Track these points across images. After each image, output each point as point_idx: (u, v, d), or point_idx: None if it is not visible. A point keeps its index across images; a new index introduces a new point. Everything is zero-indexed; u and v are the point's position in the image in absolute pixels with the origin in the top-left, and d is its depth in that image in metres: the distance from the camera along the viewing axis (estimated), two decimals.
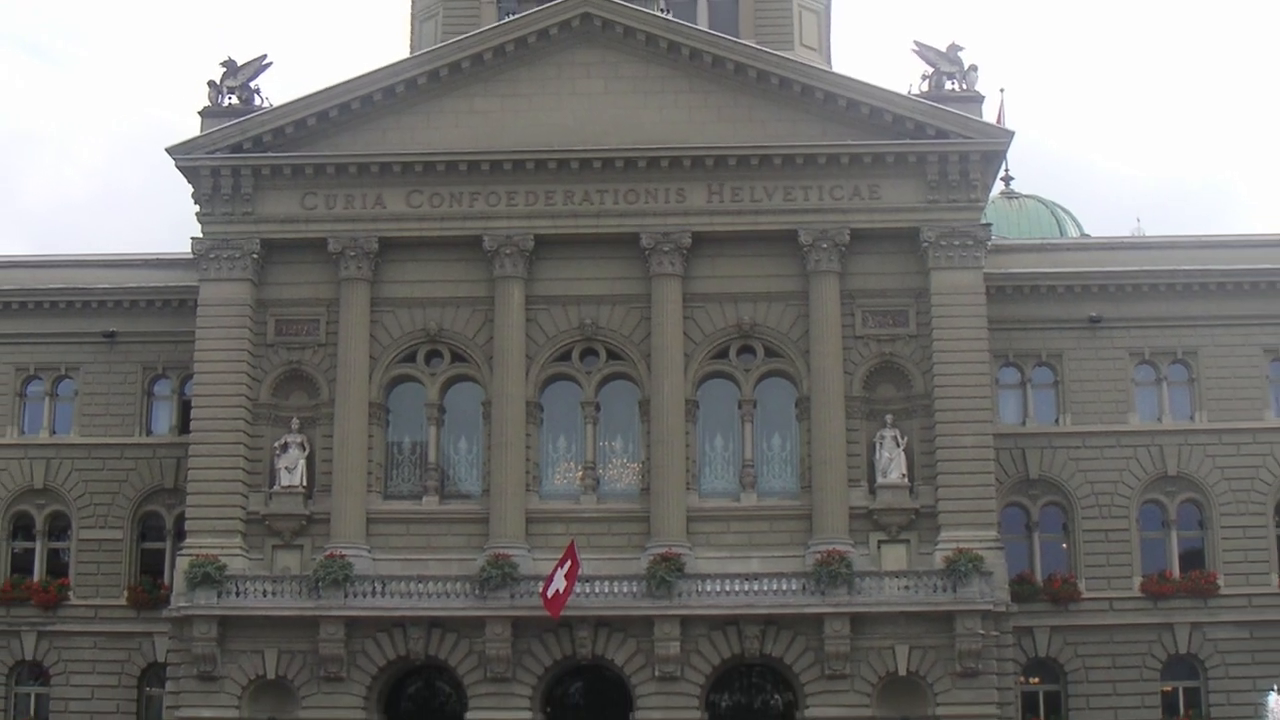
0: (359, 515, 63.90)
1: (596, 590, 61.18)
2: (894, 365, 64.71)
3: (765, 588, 61.36)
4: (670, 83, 66.56)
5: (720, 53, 66.30)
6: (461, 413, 66.27)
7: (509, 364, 64.55)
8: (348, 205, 66.02)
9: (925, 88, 66.28)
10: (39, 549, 70.67)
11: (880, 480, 63.27)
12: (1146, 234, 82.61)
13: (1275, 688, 54.59)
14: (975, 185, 65.02)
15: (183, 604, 62.01)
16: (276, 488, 64.58)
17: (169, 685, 63.26)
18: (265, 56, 68.12)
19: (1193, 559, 67.90)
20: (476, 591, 61.43)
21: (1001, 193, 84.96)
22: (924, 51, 66.78)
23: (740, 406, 65.37)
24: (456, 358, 66.13)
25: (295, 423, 65.21)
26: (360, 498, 64.13)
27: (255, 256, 65.62)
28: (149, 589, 68.43)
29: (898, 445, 63.41)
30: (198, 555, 62.36)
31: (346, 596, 61.58)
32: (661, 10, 69.58)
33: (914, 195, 64.88)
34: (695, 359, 64.96)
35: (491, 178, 65.63)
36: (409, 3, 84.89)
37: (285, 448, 64.78)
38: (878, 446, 63.57)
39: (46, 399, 71.79)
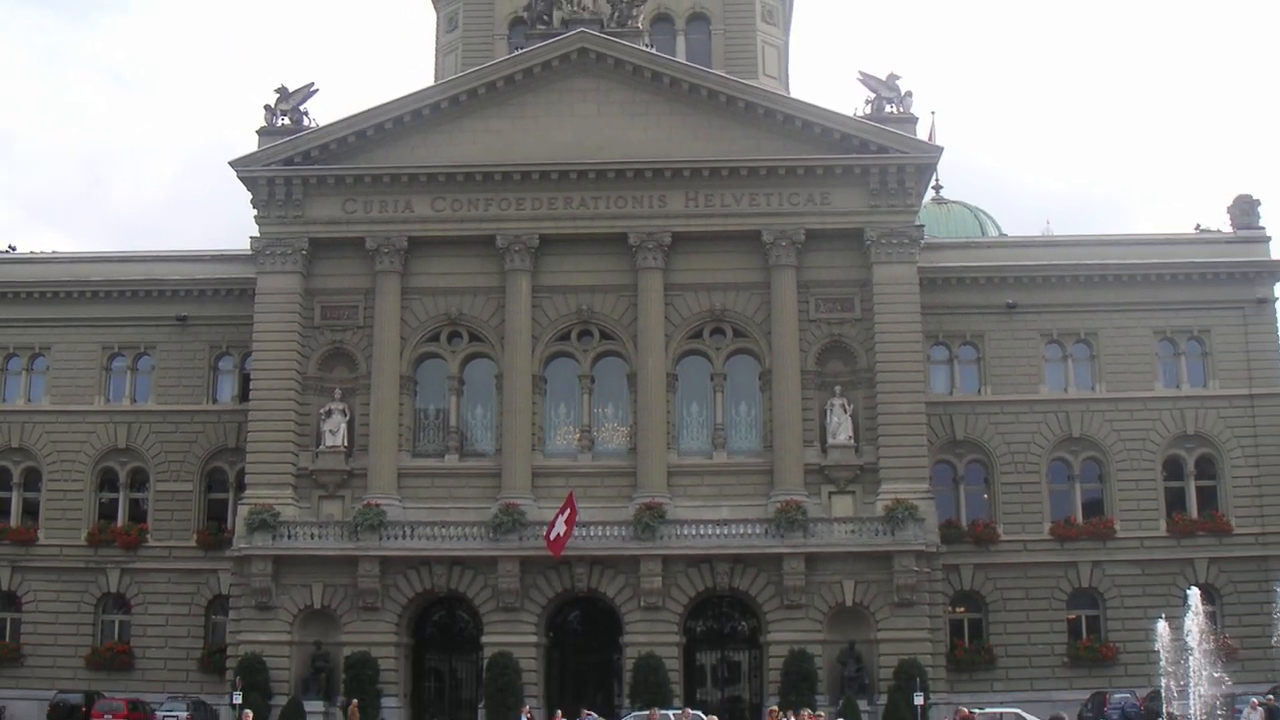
0: (392, 471, 63.65)
1: (591, 534, 60.98)
2: (842, 344, 64.46)
3: (734, 531, 61.25)
4: (653, 106, 66.19)
5: (696, 81, 65.97)
6: (478, 384, 65.98)
7: (518, 343, 64.27)
8: (382, 210, 65.68)
9: (868, 110, 65.95)
10: (122, 499, 70.26)
11: (830, 441, 63.07)
12: (1055, 233, 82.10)
13: (1163, 615, 54.41)
14: (910, 193, 64.86)
15: (243, 545, 61.86)
16: (322, 447, 64.32)
17: (231, 614, 63.23)
18: (312, 84, 67.80)
19: (1094, 507, 67.71)
20: (490, 535, 61.28)
21: (933, 199, 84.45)
22: (867, 80, 66.44)
23: (712, 379, 65.09)
24: (474, 338, 65.79)
25: (338, 392, 64.96)
26: (393, 456, 63.86)
27: (304, 253, 65.29)
28: (214, 532, 68.10)
29: (845, 411, 63.23)
30: (256, 504, 62.31)
31: (381, 539, 61.40)
32: (646, 45, 69.39)
33: (859, 201, 64.60)
34: (674, 339, 64.68)
35: (503, 186, 65.27)
36: (434, 38, 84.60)
37: (329, 414, 64.53)
38: (828, 412, 63.36)
39: (128, 373, 71.38)
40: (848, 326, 64.58)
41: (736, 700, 63.89)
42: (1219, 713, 46.75)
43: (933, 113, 75.45)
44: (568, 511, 58.82)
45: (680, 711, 53.98)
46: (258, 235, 65.92)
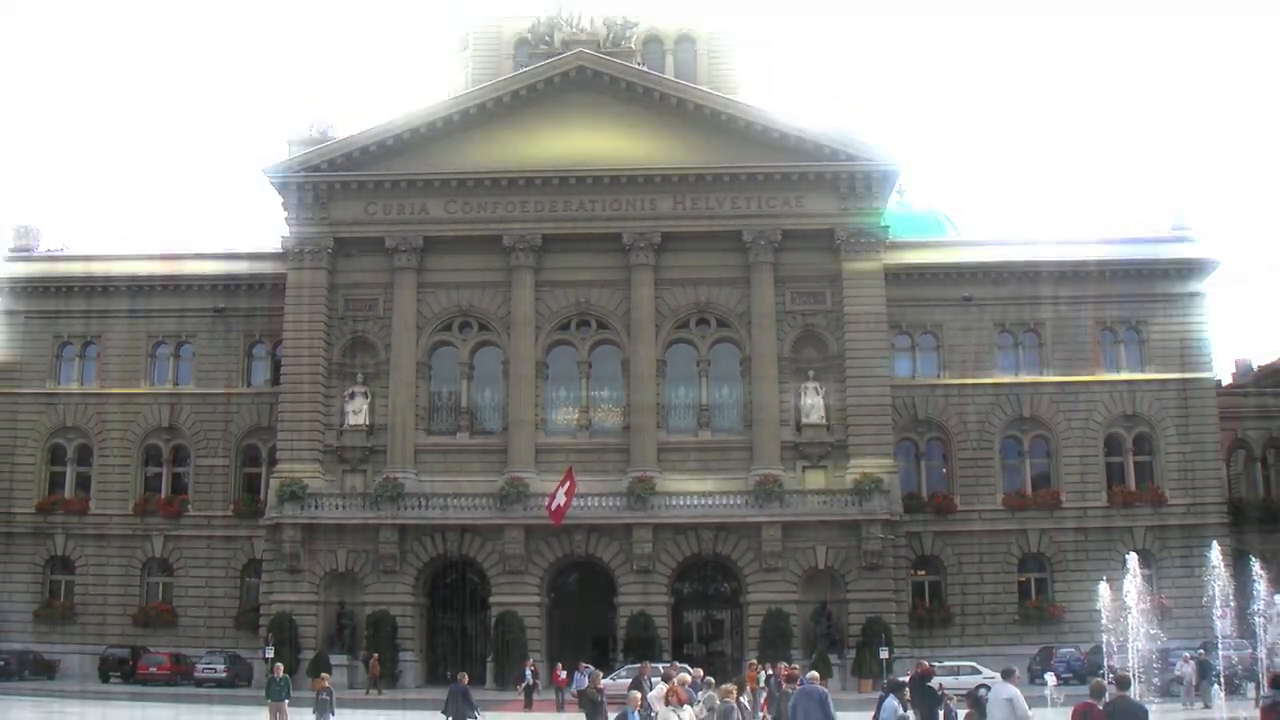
0: (409, 447, 63.39)
1: (589, 504, 60.74)
2: (815, 333, 64.24)
3: (717, 502, 61.12)
4: (645, 119, 65.80)
5: (683, 96, 65.66)
6: (486, 369, 65.68)
7: (522, 332, 64.03)
8: (400, 212, 65.35)
9: (840, 122, 65.49)
10: (165, 473, 69.84)
11: (804, 421, 62.91)
12: (1007, 233, 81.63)
13: (1104, 578, 54.22)
14: (877, 196, 64.72)
15: (275, 514, 61.69)
16: (346, 426, 64.08)
17: (264, 576, 63.04)
18: (337, 98, 67.91)
19: (1042, 480, 67.54)
20: (498, 505, 61.08)
21: (897, 201, 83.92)
22: (839, 94, 66.47)
23: (698, 365, 64.80)
24: (482, 327, 65.53)
25: (360, 377, 64.75)
26: (410, 434, 63.58)
27: (329, 251, 65.00)
28: (249, 503, 67.71)
29: (818, 394, 63.05)
30: (286, 477, 62.13)
31: (399, 509, 61.18)
32: (639, 64, 69.03)
33: (830, 204, 64.40)
34: (664, 329, 64.45)
35: (509, 191, 64.94)
36: (446, 55, 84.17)
37: (352, 396, 64.33)
38: (802, 395, 63.17)
39: (171, 359, 70.89)
40: (820, 317, 64.34)
41: (719, 655, 63.63)
42: (1155, 666, 46.59)
43: (897, 123, 75.32)
44: (567, 484, 58.65)
45: (669, 665, 53.67)
46: (288, 235, 65.65)
